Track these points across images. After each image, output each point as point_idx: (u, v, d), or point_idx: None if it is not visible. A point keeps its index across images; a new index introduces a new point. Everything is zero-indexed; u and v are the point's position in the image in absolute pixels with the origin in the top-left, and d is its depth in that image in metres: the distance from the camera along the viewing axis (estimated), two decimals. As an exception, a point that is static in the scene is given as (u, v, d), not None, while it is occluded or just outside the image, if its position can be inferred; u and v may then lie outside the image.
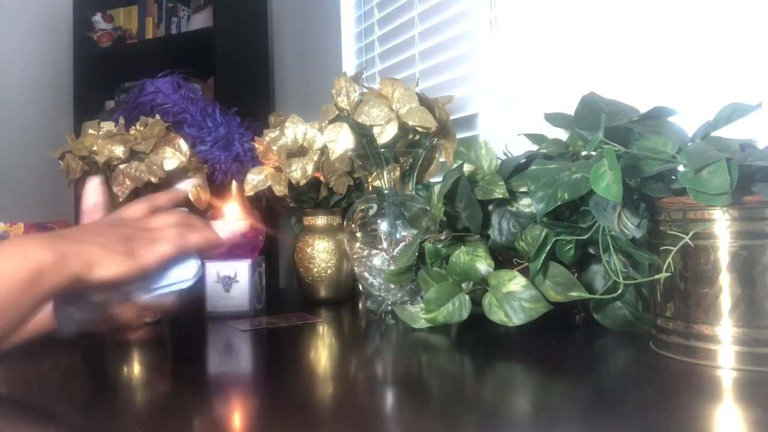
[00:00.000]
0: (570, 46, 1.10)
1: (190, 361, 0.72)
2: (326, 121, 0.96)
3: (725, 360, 0.57)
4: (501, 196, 0.74)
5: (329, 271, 1.07)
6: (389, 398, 0.54)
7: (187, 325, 0.96)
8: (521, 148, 0.89)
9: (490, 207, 0.78)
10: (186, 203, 1.18)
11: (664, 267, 0.60)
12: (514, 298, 0.72)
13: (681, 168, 0.59)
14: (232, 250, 1.03)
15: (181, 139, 1.14)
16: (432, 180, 1.06)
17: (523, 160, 0.80)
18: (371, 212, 0.95)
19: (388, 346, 0.77)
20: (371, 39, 1.73)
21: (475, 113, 1.33)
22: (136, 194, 1.11)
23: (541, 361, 0.65)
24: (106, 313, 0.56)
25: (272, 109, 2.22)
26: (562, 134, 0.86)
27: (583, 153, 0.80)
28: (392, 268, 0.87)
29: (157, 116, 1.18)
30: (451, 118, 1.03)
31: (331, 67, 1.87)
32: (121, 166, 1.08)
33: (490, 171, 0.81)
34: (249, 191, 1.07)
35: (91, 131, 1.12)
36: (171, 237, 0.57)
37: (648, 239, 0.65)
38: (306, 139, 1.06)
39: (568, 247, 0.70)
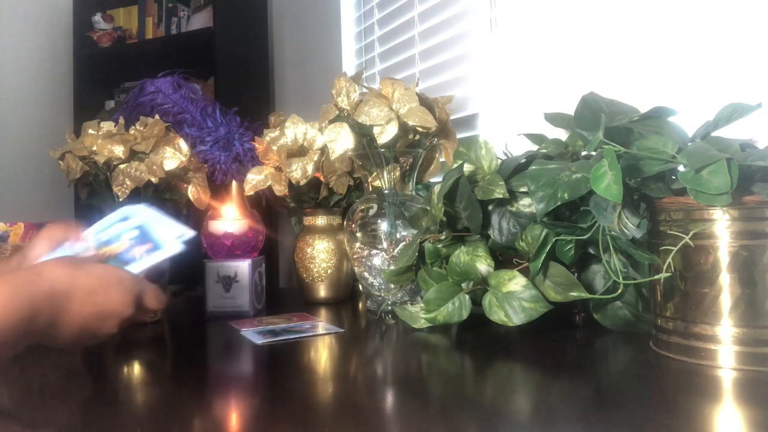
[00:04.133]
0: (570, 45, 1.10)
1: (190, 361, 0.72)
2: (326, 121, 0.96)
3: (725, 360, 0.57)
4: (501, 196, 0.74)
5: (329, 271, 1.07)
6: (389, 398, 0.54)
7: (187, 325, 0.96)
8: (521, 148, 0.89)
9: (490, 207, 0.77)
10: (187, 203, 1.19)
11: (664, 267, 0.60)
12: (514, 298, 0.72)
13: (681, 168, 0.59)
14: (232, 250, 1.03)
15: (181, 139, 1.14)
16: (432, 180, 1.06)
17: (523, 160, 0.80)
18: (371, 212, 0.95)
19: (388, 346, 0.77)
20: (371, 39, 1.73)
21: (475, 113, 1.32)
22: (136, 194, 1.11)
23: (541, 361, 0.65)
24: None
25: (272, 109, 2.21)
26: (562, 134, 0.86)
27: (583, 153, 0.80)
28: (392, 268, 0.87)
29: (157, 116, 1.18)
30: (451, 118, 1.03)
31: (331, 67, 1.86)
32: (121, 166, 1.08)
33: (490, 171, 0.81)
34: (249, 191, 1.07)
35: (91, 131, 1.12)
36: None
37: (648, 239, 0.65)
38: (306, 139, 1.06)
39: (568, 247, 0.70)
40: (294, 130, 1.06)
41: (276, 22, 2.29)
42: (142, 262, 0.62)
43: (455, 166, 0.81)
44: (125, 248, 0.63)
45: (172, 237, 0.63)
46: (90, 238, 0.65)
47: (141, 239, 0.64)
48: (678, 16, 0.93)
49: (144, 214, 0.68)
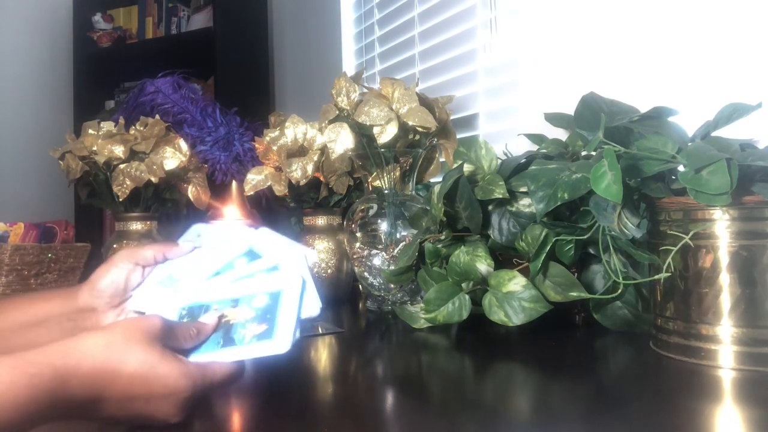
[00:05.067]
0: (570, 46, 1.10)
1: (190, 361, 0.72)
2: (326, 121, 0.96)
3: (725, 360, 0.57)
4: (501, 196, 0.74)
5: (329, 271, 1.07)
6: (389, 398, 0.54)
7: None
8: (521, 148, 0.89)
9: (490, 207, 0.77)
10: (187, 203, 1.19)
11: (664, 267, 0.60)
12: (514, 298, 0.72)
13: (681, 168, 0.59)
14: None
15: (181, 139, 1.14)
16: (432, 180, 1.06)
17: (523, 160, 0.80)
18: (371, 212, 0.95)
19: (388, 346, 0.77)
20: (371, 39, 1.73)
21: (475, 113, 1.32)
22: (136, 193, 1.11)
23: (541, 361, 0.65)
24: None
25: (272, 109, 2.22)
26: (562, 134, 0.86)
27: (583, 153, 0.80)
28: (392, 268, 0.87)
29: (157, 116, 1.19)
30: (451, 118, 1.03)
31: (331, 67, 1.87)
32: (121, 166, 1.08)
33: (490, 171, 0.81)
34: (249, 191, 1.07)
35: (91, 131, 1.12)
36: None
37: (648, 239, 0.65)
38: (306, 139, 1.06)
39: (568, 247, 0.70)
40: (294, 130, 1.06)
41: (276, 22, 2.29)
42: (244, 351, 0.45)
43: (455, 166, 0.80)
44: (244, 320, 0.46)
45: (293, 327, 0.44)
46: (198, 273, 0.47)
47: (264, 314, 0.46)
48: (678, 16, 0.93)
49: (276, 258, 0.48)
